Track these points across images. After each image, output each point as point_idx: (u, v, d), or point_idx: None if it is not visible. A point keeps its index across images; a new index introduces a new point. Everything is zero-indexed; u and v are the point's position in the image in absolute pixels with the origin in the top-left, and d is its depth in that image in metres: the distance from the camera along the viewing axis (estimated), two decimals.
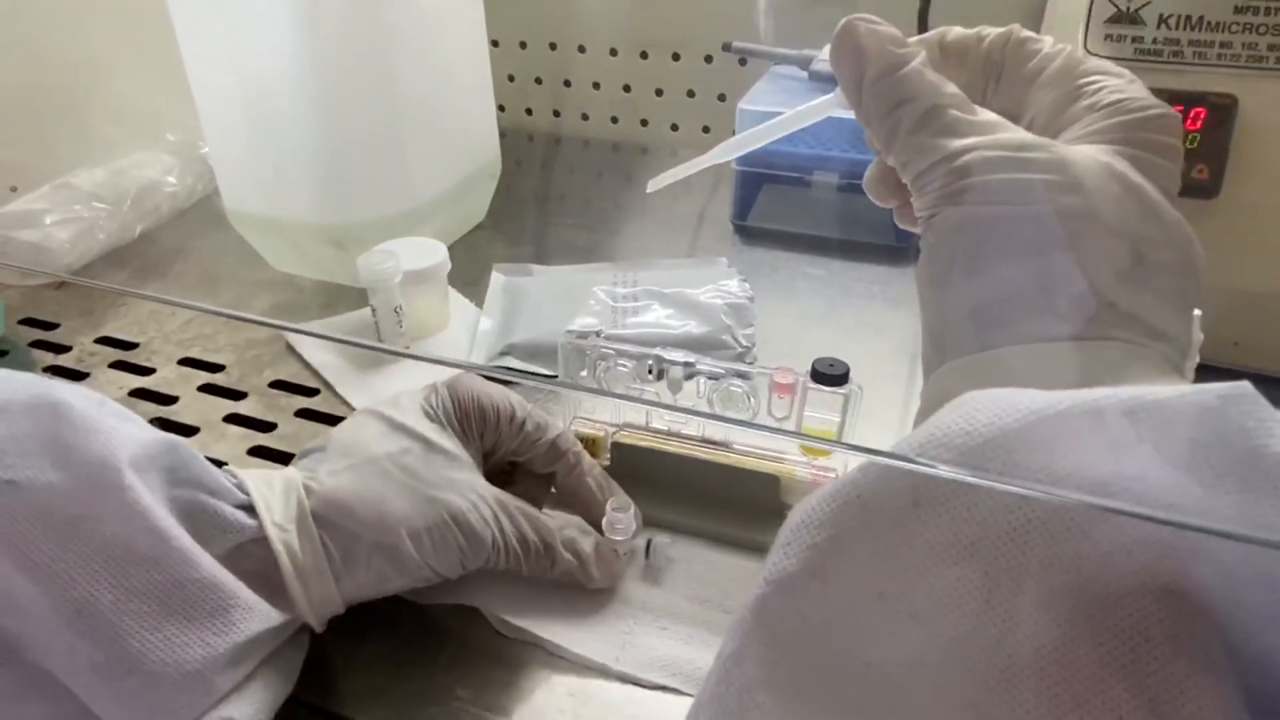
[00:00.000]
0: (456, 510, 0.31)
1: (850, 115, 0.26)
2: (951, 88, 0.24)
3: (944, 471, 0.17)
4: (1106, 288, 0.21)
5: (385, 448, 0.31)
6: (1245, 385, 0.16)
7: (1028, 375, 0.21)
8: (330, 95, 0.48)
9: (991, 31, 0.27)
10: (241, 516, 0.28)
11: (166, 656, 0.25)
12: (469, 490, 0.32)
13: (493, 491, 0.33)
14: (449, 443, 0.32)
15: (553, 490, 0.37)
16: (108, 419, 0.26)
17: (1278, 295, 0.43)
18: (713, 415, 0.36)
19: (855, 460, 0.36)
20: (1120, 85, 0.24)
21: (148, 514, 0.25)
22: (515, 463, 0.36)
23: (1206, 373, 0.43)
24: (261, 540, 0.28)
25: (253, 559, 0.28)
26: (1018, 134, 0.23)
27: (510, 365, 0.47)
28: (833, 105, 0.27)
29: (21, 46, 0.60)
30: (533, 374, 0.47)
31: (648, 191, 0.31)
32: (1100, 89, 0.24)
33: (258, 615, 0.27)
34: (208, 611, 0.26)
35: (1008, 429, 0.17)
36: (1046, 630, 0.16)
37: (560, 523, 0.34)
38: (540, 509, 0.35)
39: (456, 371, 0.37)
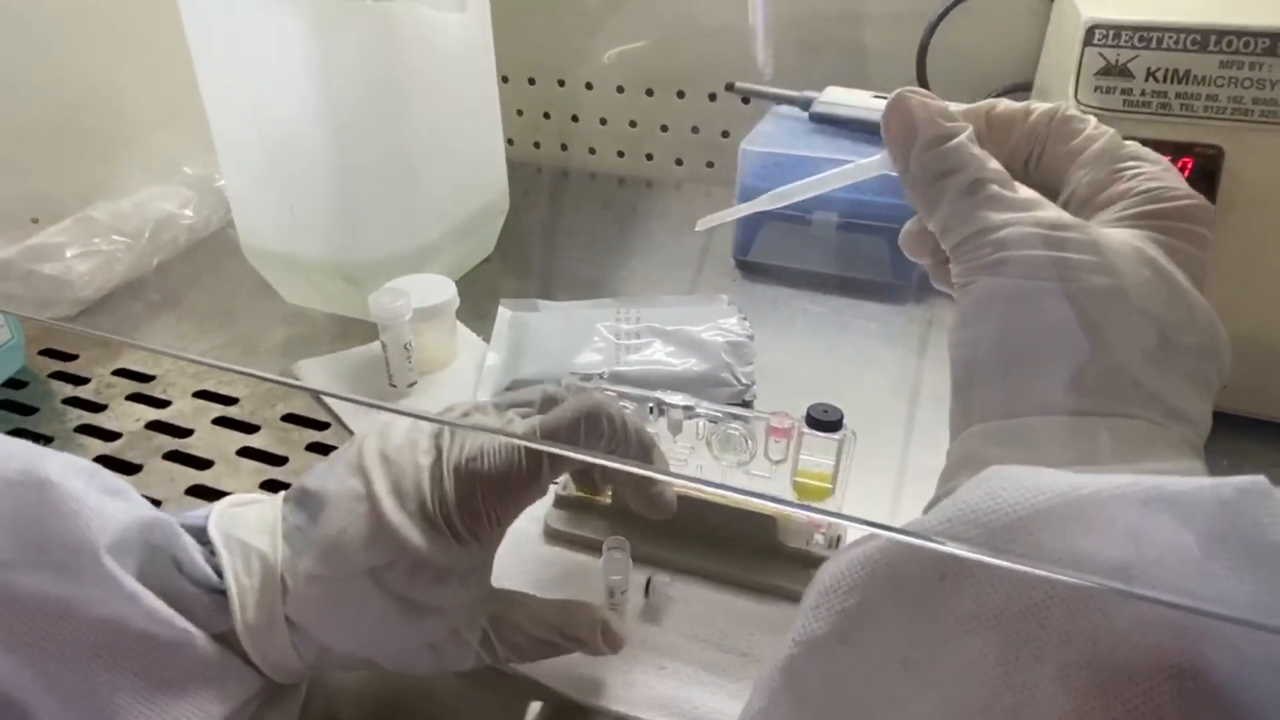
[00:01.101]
0: (434, 638, 0.30)
1: (893, 177, 0.28)
2: (995, 164, 0.25)
3: (968, 553, 0.18)
4: (1132, 366, 0.22)
5: (369, 560, 0.28)
6: (1261, 480, 0.17)
7: (1051, 446, 0.22)
8: (345, 137, 0.50)
9: (1039, 107, 0.28)
10: (212, 612, 0.28)
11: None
12: (453, 613, 0.29)
13: (486, 605, 0.31)
14: (442, 555, 0.29)
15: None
16: (91, 497, 0.26)
17: (1265, 340, 0.44)
18: (726, 487, 0.36)
19: (852, 503, 0.37)
20: (1157, 173, 0.26)
21: (136, 596, 0.26)
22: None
23: None
24: (233, 633, 0.28)
25: (222, 641, 0.28)
26: (1055, 213, 0.24)
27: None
28: (880, 166, 0.28)
29: (46, 81, 0.62)
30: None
31: (697, 229, 0.32)
32: (1137, 174, 0.25)
33: (250, 682, 0.28)
34: (202, 682, 0.27)
35: (1033, 509, 0.18)
36: (1062, 702, 0.17)
37: (562, 615, 0.32)
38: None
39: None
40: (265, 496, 0.32)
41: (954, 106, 0.27)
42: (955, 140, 0.25)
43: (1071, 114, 0.27)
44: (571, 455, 0.31)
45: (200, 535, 0.29)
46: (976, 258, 0.24)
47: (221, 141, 0.54)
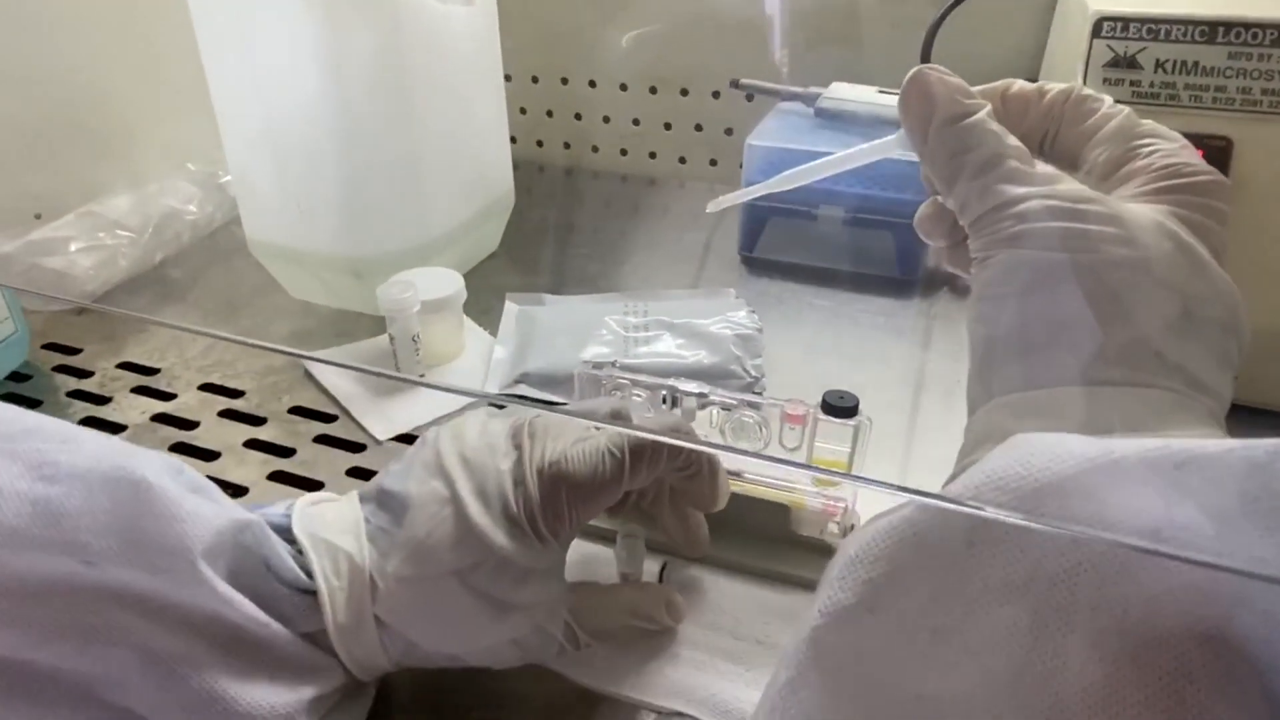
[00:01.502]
0: (519, 634, 0.30)
1: (910, 157, 0.28)
2: (1013, 140, 0.25)
3: (999, 514, 0.18)
4: (1155, 337, 0.22)
5: (456, 562, 0.29)
6: None
7: (1075, 416, 0.22)
8: (353, 133, 0.50)
9: (1053, 87, 0.28)
10: (304, 611, 0.28)
11: (260, 701, 0.26)
12: (536, 609, 0.31)
13: (565, 599, 0.32)
14: (525, 555, 0.29)
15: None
16: (186, 500, 0.26)
17: (1273, 329, 0.45)
18: (726, 448, 0.37)
19: (865, 492, 0.37)
20: (1174, 150, 0.26)
21: (230, 601, 0.26)
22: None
23: None
24: (323, 632, 0.29)
25: (311, 640, 0.29)
26: (1076, 187, 0.24)
27: (522, 393, 0.48)
28: (894, 146, 0.28)
29: (51, 77, 0.61)
30: (544, 401, 0.48)
31: (708, 211, 0.33)
32: (1154, 151, 0.25)
33: (333, 677, 0.29)
34: (293, 671, 0.27)
35: (1062, 474, 0.18)
36: (1093, 669, 0.16)
37: (632, 600, 0.34)
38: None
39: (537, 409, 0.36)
40: (338, 496, 0.32)
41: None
42: (974, 117, 0.25)
43: (1087, 93, 0.27)
44: (681, 444, 0.32)
45: (286, 534, 0.29)
46: (996, 231, 0.24)
47: (229, 136, 0.53)
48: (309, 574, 0.29)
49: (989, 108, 0.26)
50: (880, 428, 0.36)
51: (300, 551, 0.29)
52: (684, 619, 0.35)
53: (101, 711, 0.25)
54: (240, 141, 0.53)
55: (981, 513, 0.18)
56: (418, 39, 0.50)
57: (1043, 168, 0.25)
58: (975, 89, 0.27)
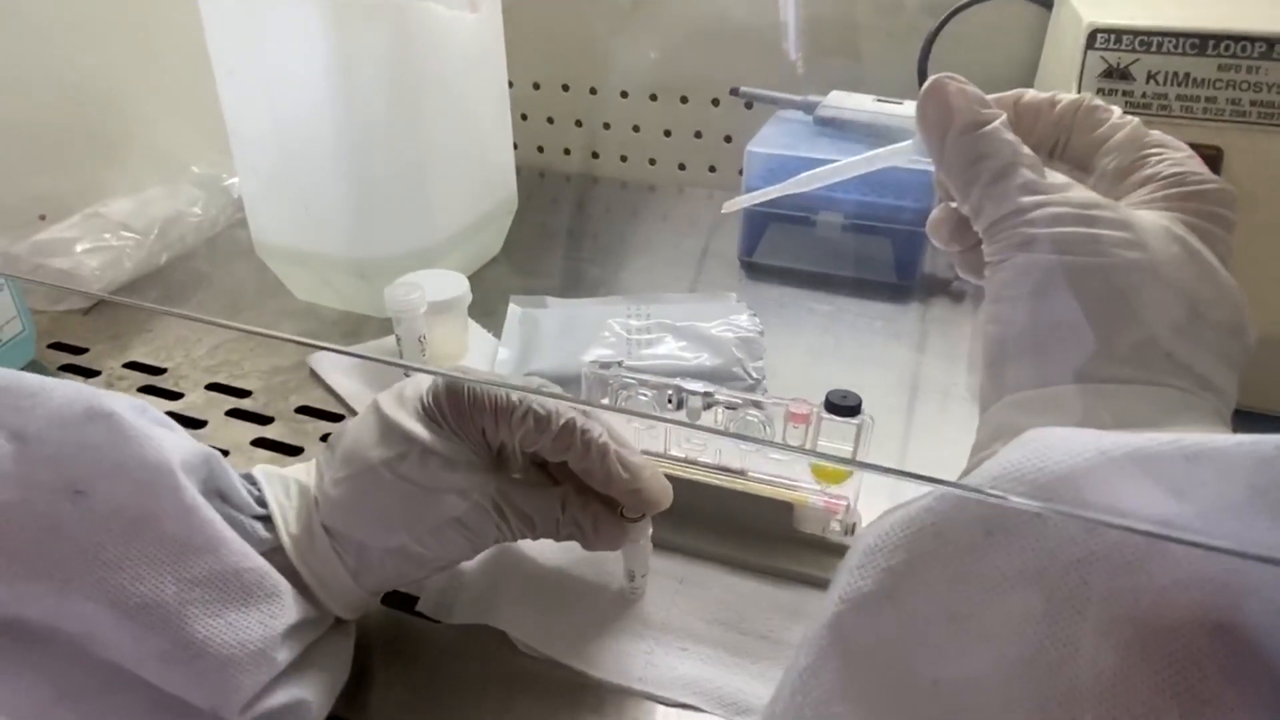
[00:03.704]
0: (456, 511, 0.32)
1: (924, 163, 0.28)
2: (1027, 150, 0.26)
3: (1020, 502, 0.19)
4: (1164, 337, 0.23)
5: (382, 454, 0.31)
6: None
7: (1086, 413, 0.22)
8: (360, 137, 0.51)
9: (1065, 97, 0.29)
10: (260, 529, 0.30)
11: (230, 639, 0.27)
12: (468, 489, 0.32)
13: (493, 483, 0.33)
14: (445, 445, 0.32)
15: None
16: (155, 429, 0.28)
17: (1267, 336, 0.46)
18: (739, 436, 0.37)
19: (866, 491, 0.38)
20: (1180, 159, 0.27)
21: (201, 510, 0.28)
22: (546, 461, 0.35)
23: None
24: (279, 549, 0.30)
25: (275, 564, 0.30)
26: (1087, 193, 0.25)
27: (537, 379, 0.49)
28: (911, 152, 0.29)
29: (56, 80, 0.62)
30: (556, 395, 0.48)
31: (723, 212, 0.34)
32: (1162, 160, 0.26)
33: (303, 606, 0.30)
34: (262, 596, 0.28)
35: (1076, 467, 0.19)
36: (1106, 657, 0.17)
37: (561, 495, 0.34)
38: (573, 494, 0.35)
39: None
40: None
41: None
42: (991, 126, 0.26)
43: (1097, 103, 0.28)
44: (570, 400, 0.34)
45: (246, 477, 0.32)
46: (1010, 237, 0.25)
47: (237, 139, 0.54)
48: (262, 505, 0.31)
49: (1004, 116, 0.27)
50: (878, 430, 0.37)
51: (254, 484, 0.32)
52: (614, 550, 0.34)
53: (97, 668, 0.26)
54: (248, 144, 0.54)
55: (1001, 501, 0.19)
56: (424, 45, 0.51)
57: (1055, 175, 0.26)
58: (990, 97, 0.28)
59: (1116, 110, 0.28)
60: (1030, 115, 0.29)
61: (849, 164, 0.31)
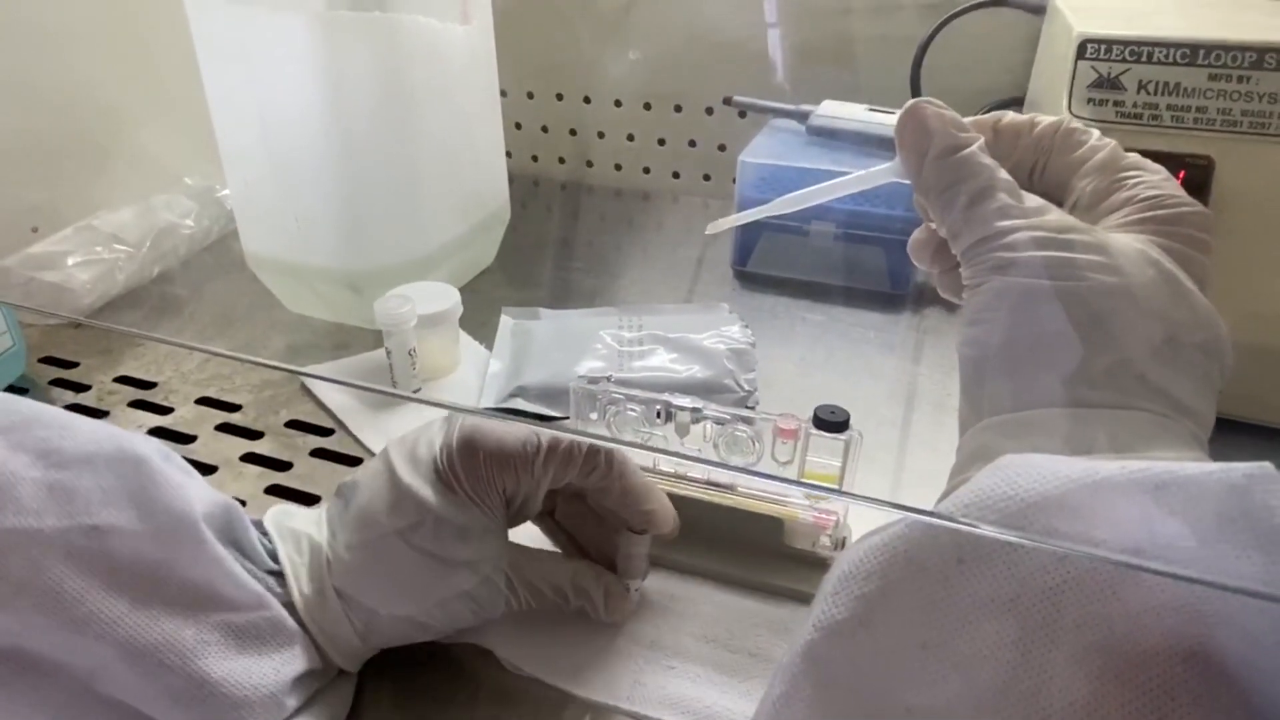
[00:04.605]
0: (467, 585, 0.32)
1: (905, 184, 0.28)
2: (1004, 173, 0.26)
3: (989, 531, 0.19)
4: (1138, 361, 0.23)
5: (396, 523, 0.31)
6: (1267, 466, 0.18)
7: (1062, 437, 0.22)
8: (352, 150, 0.51)
9: (1043, 120, 0.29)
10: (273, 584, 0.31)
11: (244, 682, 0.27)
12: (480, 563, 0.32)
13: (506, 554, 0.34)
14: (459, 513, 0.32)
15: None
16: (179, 475, 0.29)
17: (1257, 345, 0.45)
18: (720, 464, 0.37)
19: (856, 506, 0.38)
20: (1157, 182, 0.26)
21: (225, 561, 0.28)
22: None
23: None
24: (290, 605, 0.31)
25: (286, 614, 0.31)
26: (1062, 218, 0.25)
27: (519, 407, 0.49)
28: (891, 173, 0.29)
29: (49, 92, 0.62)
30: (540, 416, 0.48)
31: (707, 233, 0.34)
32: (1139, 183, 0.26)
33: (312, 655, 0.30)
34: (276, 645, 0.29)
35: (1048, 495, 0.19)
36: (1078, 685, 0.17)
37: (572, 569, 0.35)
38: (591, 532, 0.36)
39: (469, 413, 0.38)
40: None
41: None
42: (968, 150, 0.26)
43: (1075, 126, 0.28)
44: (572, 434, 0.34)
45: (258, 527, 0.32)
46: (986, 260, 0.25)
47: (227, 152, 0.54)
48: (274, 558, 0.31)
49: (981, 140, 0.27)
50: (872, 441, 0.37)
51: (266, 537, 0.32)
52: (624, 621, 0.35)
53: (97, 704, 0.26)
54: (239, 157, 0.54)
55: (972, 529, 0.18)
56: (416, 58, 0.51)
57: (1031, 200, 0.26)
58: (969, 120, 0.28)
59: (1095, 133, 0.28)
60: (1010, 137, 0.29)
61: (832, 186, 0.31)
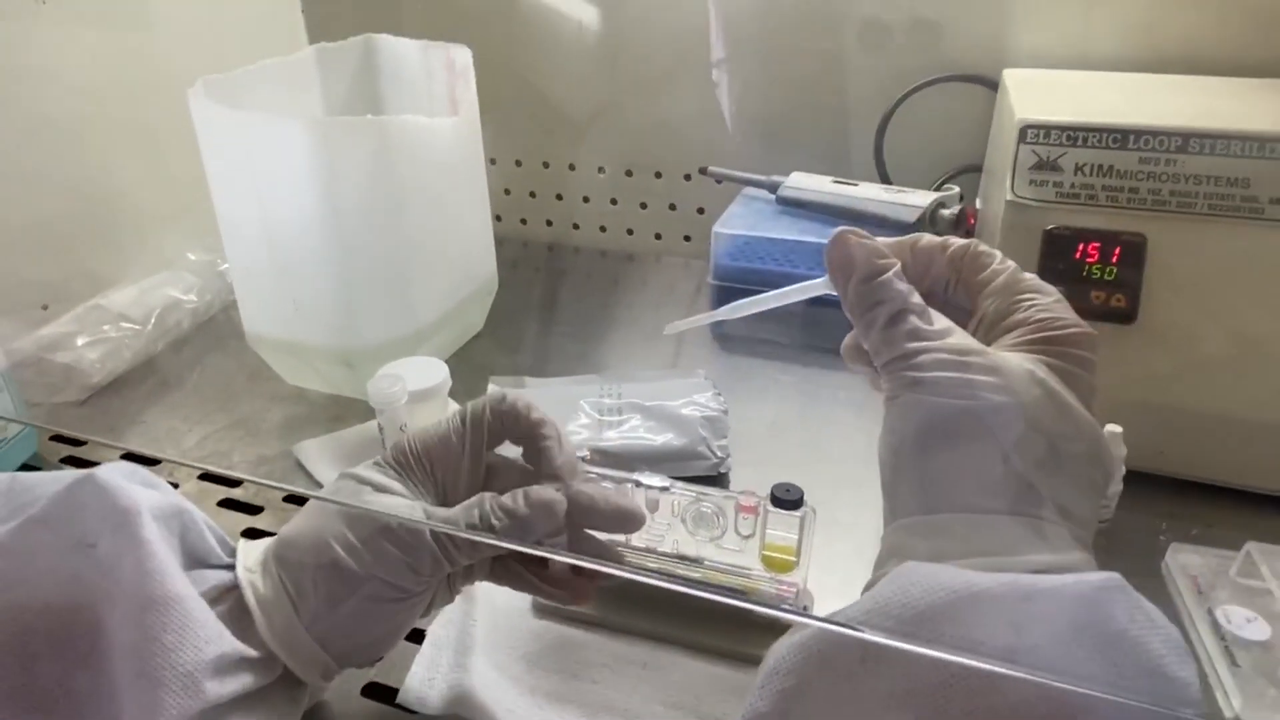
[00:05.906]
0: (386, 522, 0.33)
1: (835, 294, 0.32)
2: (916, 297, 0.30)
3: (882, 640, 0.22)
4: (1027, 471, 0.26)
5: (329, 491, 0.35)
6: (1115, 577, 0.22)
7: (962, 539, 0.25)
8: (347, 240, 0.54)
9: (955, 242, 0.33)
10: (222, 571, 0.33)
11: (162, 661, 0.28)
12: (400, 509, 0.33)
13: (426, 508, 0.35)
14: (391, 483, 0.34)
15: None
16: (130, 483, 0.31)
17: (1192, 409, 0.48)
18: (694, 585, 0.40)
19: (818, 570, 0.40)
20: (1049, 304, 0.30)
21: (151, 544, 0.30)
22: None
23: (1134, 478, 0.47)
24: (235, 588, 0.32)
25: (228, 603, 0.32)
26: (963, 340, 0.28)
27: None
28: (824, 286, 0.33)
29: (60, 179, 0.66)
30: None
31: (665, 334, 0.37)
32: (1032, 305, 0.30)
33: (264, 665, 0.31)
34: (198, 624, 0.29)
35: (935, 604, 0.22)
36: None
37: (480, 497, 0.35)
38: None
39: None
40: None
41: (884, 241, 0.31)
42: (885, 276, 0.30)
43: (981, 249, 0.32)
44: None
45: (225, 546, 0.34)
46: (899, 379, 0.28)
47: (230, 239, 0.57)
48: (228, 552, 0.33)
49: (898, 266, 0.30)
50: (839, 502, 0.39)
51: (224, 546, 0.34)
52: (552, 525, 0.35)
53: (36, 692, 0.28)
54: (240, 245, 0.57)
55: (873, 640, 0.21)
56: (406, 154, 0.54)
57: (940, 321, 0.29)
58: (891, 242, 0.32)
59: (998, 255, 0.32)
60: (926, 257, 0.32)
61: (773, 295, 0.34)
